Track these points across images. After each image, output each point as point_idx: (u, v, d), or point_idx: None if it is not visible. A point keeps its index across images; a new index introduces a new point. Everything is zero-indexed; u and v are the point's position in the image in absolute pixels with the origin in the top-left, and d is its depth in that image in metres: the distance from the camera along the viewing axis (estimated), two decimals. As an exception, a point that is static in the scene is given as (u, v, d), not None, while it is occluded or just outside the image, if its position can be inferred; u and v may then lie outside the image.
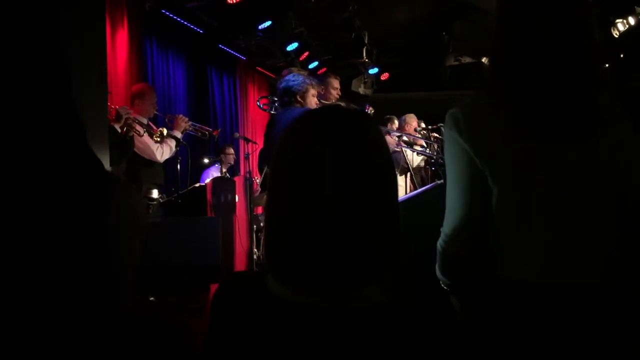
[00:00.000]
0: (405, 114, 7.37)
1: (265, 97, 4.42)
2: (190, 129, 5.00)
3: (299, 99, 3.64)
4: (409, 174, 5.75)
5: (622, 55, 7.22)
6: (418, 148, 5.80)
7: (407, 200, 3.62)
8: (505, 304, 1.31)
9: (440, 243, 1.46)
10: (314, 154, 0.87)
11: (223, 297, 0.96)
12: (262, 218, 6.02)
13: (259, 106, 4.38)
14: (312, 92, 3.69)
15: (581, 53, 1.29)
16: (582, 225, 1.29)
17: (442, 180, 4.29)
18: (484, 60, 7.41)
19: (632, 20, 6.89)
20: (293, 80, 3.68)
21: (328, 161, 0.85)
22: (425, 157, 6.18)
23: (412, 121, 6.38)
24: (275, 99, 4.17)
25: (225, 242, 4.25)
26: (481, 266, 1.37)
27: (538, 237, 1.30)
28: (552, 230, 1.29)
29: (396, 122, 6.86)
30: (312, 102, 3.71)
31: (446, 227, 1.43)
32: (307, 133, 0.91)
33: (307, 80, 3.68)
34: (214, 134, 5.10)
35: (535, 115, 1.28)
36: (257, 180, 6.19)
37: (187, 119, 4.92)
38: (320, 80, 4.83)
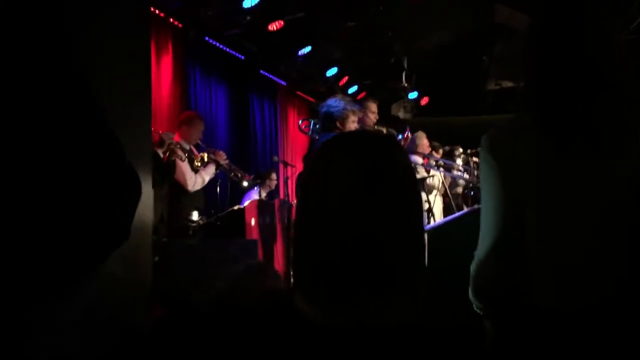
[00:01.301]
0: (447, 138, 7.29)
1: (306, 119, 4.47)
2: (227, 167, 5.04)
3: (339, 125, 3.67)
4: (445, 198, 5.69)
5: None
6: (455, 172, 5.73)
7: (444, 225, 3.60)
8: (538, 330, 1.30)
9: (473, 267, 1.46)
10: (341, 174, 0.90)
11: (250, 316, 0.99)
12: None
13: (300, 128, 4.43)
14: (352, 118, 3.71)
15: (617, 73, 1.28)
16: (618, 248, 1.27)
17: (479, 205, 4.25)
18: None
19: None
20: (334, 107, 3.71)
21: (353, 181, 0.88)
22: (464, 183, 6.11)
23: (422, 140, 6.26)
24: (315, 121, 4.22)
25: (264, 257, 4.30)
26: (514, 291, 1.36)
27: (572, 261, 1.28)
28: (586, 254, 1.28)
29: (440, 151, 6.78)
30: (352, 127, 3.73)
31: (480, 251, 1.43)
32: (334, 155, 0.94)
33: (348, 107, 3.70)
34: (246, 178, 5.14)
35: (575, 135, 1.28)
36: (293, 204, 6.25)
37: (225, 156, 4.99)
38: (359, 104, 4.89)
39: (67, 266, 0.86)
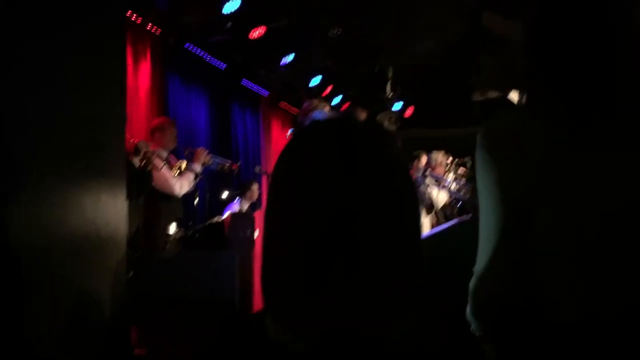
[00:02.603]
0: (432, 150, 7.19)
1: (294, 131, 4.34)
2: (210, 162, 4.93)
3: None
4: (434, 213, 5.58)
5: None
6: (445, 189, 5.62)
7: (431, 237, 3.45)
8: (556, 352, 1.12)
9: (473, 282, 1.29)
10: (315, 165, 0.74)
11: (216, 347, 0.82)
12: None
13: (288, 139, 4.30)
14: None
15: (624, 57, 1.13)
16: (634, 254, 1.10)
17: (469, 216, 4.12)
18: (511, 94, 7.26)
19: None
20: (317, 118, 3.58)
21: (329, 171, 0.72)
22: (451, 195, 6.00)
23: (443, 160, 6.20)
24: None
25: (243, 278, 4.11)
26: (522, 307, 1.19)
27: (591, 268, 1.11)
28: (606, 259, 1.10)
29: (423, 159, 6.71)
30: None
31: (480, 263, 1.26)
32: (311, 142, 0.78)
33: None
34: (233, 167, 5.01)
35: (591, 122, 1.12)
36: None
37: (207, 152, 4.87)
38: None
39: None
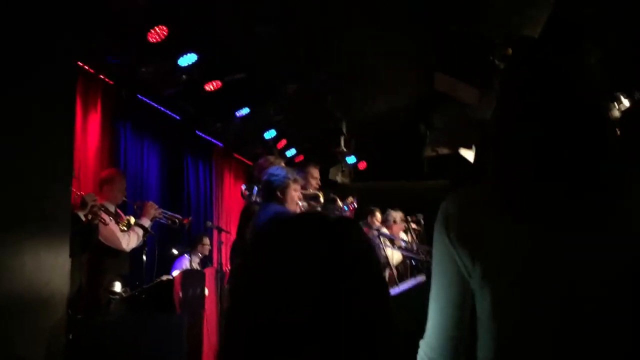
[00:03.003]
0: (384, 203, 7.22)
1: (249, 185, 4.29)
2: (160, 216, 4.79)
3: (279, 195, 3.51)
4: (387, 270, 5.54)
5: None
6: (398, 247, 5.63)
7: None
8: None
9: (420, 356, 1.25)
10: (301, 261, 0.76)
11: None
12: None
13: (242, 194, 4.22)
14: (294, 186, 3.58)
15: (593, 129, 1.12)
16: (601, 347, 1.06)
17: (423, 277, 4.10)
18: (461, 151, 7.43)
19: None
20: (275, 175, 3.56)
21: (316, 268, 0.75)
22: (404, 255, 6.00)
23: (400, 221, 6.26)
24: (257, 187, 4.02)
25: (192, 339, 3.93)
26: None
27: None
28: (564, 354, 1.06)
29: (378, 215, 6.73)
30: (294, 197, 3.58)
31: (430, 341, 1.22)
32: (292, 241, 0.79)
33: (289, 176, 3.56)
34: (184, 222, 4.89)
35: (545, 204, 1.09)
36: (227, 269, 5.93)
37: (156, 206, 4.73)
38: (300, 169, 4.74)
39: None
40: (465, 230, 1.15)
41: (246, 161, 8.87)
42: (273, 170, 3.64)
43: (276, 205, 3.48)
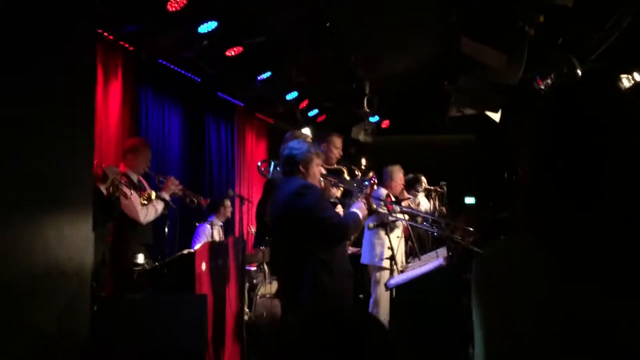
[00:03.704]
0: (406, 158, 7.09)
1: (265, 160, 4.25)
2: (180, 193, 4.79)
3: (302, 169, 3.45)
4: (408, 242, 5.54)
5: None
6: (419, 219, 5.59)
7: (409, 283, 3.40)
8: None
9: None
10: None
11: None
12: (254, 274, 5.79)
13: (259, 169, 4.18)
14: (317, 161, 3.51)
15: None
16: None
17: (444, 251, 4.08)
18: (487, 113, 7.27)
19: (637, 77, 6.75)
20: (297, 149, 3.48)
21: None
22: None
23: (398, 175, 6.08)
24: (276, 163, 3.97)
25: (216, 313, 4.01)
26: None
27: None
28: None
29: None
30: (316, 171, 3.52)
31: None
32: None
33: (312, 149, 3.49)
34: (203, 203, 4.88)
35: (590, 267, 1.05)
36: (252, 230, 5.96)
37: (178, 182, 4.73)
38: (323, 138, 4.68)
39: None
40: (503, 286, 1.10)
41: (268, 120, 8.82)
42: (295, 143, 3.57)
43: (298, 179, 3.44)
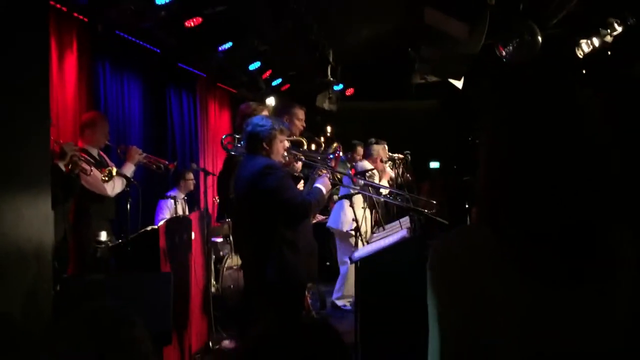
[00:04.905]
0: (370, 125, 7.13)
1: (229, 135, 4.19)
2: (144, 161, 4.74)
3: (265, 146, 3.43)
4: (373, 211, 5.60)
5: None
6: (384, 192, 5.66)
7: (373, 255, 3.45)
8: None
9: None
10: None
11: None
12: (220, 246, 5.79)
13: (222, 144, 4.13)
14: (280, 137, 3.49)
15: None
16: None
17: (407, 221, 4.13)
18: (450, 80, 7.32)
19: (596, 42, 6.85)
20: (260, 126, 3.45)
21: None
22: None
23: (383, 153, 6.20)
24: (239, 138, 3.93)
25: (180, 288, 4.00)
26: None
27: None
28: None
29: (360, 149, 6.70)
30: (280, 148, 3.51)
31: None
32: None
33: (275, 126, 3.47)
34: (170, 167, 4.84)
35: (548, 256, 1.06)
36: (217, 200, 5.93)
37: (140, 150, 4.67)
38: (285, 109, 4.64)
39: None
40: (468, 278, 1.10)
41: (231, 89, 8.71)
42: (258, 120, 3.53)
43: (262, 157, 3.43)
